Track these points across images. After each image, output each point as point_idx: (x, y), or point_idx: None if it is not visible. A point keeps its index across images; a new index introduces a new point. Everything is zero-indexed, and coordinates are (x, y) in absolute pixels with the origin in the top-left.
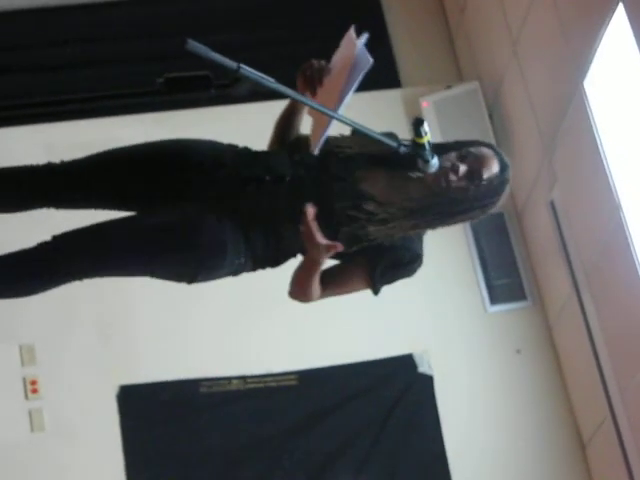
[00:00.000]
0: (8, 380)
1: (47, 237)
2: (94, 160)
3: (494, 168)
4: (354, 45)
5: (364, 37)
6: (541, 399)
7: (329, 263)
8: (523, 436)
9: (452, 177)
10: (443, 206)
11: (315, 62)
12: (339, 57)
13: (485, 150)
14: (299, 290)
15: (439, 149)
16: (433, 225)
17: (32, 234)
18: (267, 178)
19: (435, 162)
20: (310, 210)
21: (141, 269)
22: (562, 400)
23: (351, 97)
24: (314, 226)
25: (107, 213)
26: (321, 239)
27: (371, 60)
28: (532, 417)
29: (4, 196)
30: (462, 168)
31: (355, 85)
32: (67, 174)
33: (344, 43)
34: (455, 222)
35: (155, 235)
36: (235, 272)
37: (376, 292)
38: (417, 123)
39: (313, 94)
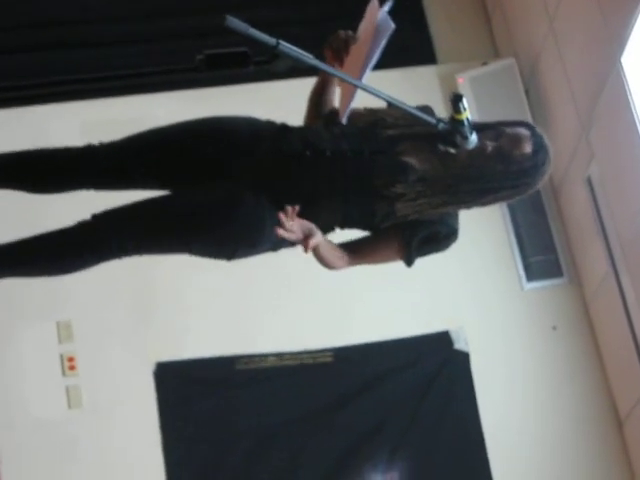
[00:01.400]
0: (45, 357)
1: (86, 216)
2: (132, 141)
3: (526, 149)
4: (377, 12)
5: (388, 4)
6: (577, 376)
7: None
8: (559, 413)
9: (480, 156)
10: (474, 183)
11: (342, 33)
12: (364, 26)
13: (520, 130)
14: (321, 263)
15: (477, 128)
16: (463, 203)
17: (71, 212)
18: (307, 153)
19: (474, 138)
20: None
21: (180, 247)
22: (598, 377)
23: (374, 63)
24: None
25: (144, 192)
26: (294, 233)
27: (392, 25)
28: (568, 394)
29: (43, 178)
30: (490, 146)
31: (378, 51)
32: (106, 156)
33: (368, 12)
34: (486, 202)
35: (193, 213)
36: (274, 248)
37: (409, 264)
38: (456, 99)
39: (341, 65)
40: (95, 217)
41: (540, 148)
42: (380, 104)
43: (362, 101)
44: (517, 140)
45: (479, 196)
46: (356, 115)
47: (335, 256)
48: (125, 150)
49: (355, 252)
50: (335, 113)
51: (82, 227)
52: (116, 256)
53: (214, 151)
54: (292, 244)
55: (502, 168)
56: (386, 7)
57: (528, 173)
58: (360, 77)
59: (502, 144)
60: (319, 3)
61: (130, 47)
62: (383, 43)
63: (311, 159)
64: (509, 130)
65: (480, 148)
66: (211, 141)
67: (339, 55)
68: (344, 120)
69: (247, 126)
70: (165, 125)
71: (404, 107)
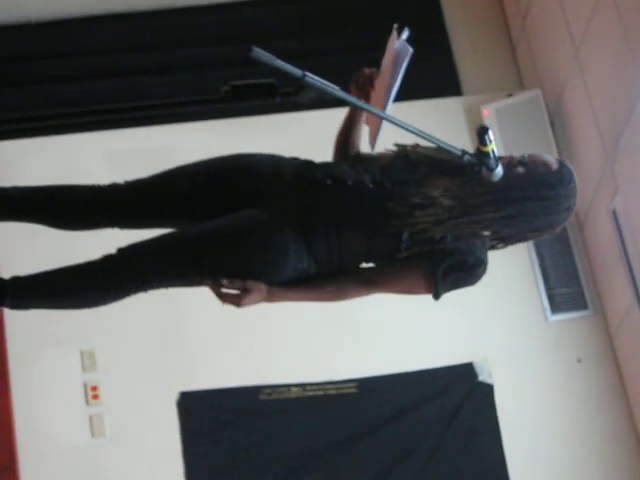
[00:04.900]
0: (69, 386)
1: (112, 249)
2: (157, 180)
3: (551, 165)
4: (395, 42)
5: (405, 33)
6: (602, 409)
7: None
8: (583, 445)
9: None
10: (498, 194)
11: (366, 69)
12: (386, 59)
13: (546, 155)
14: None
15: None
16: (485, 215)
17: (96, 246)
18: (328, 182)
19: (499, 170)
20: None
21: (204, 280)
22: (623, 410)
23: (397, 90)
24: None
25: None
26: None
27: (410, 49)
28: (593, 426)
29: (68, 215)
30: (515, 160)
31: (399, 77)
32: (130, 197)
33: (389, 45)
34: (511, 216)
35: (217, 244)
36: (299, 278)
37: (437, 295)
38: (482, 131)
39: (367, 100)
40: (120, 251)
41: (564, 166)
42: (406, 139)
43: (390, 133)
44: (542, 159)
45: (502, 207)
46: (381, 155)
47: (329, 292)
48: (150, 190)
49: (375, 281)
50: (361, 157)
51: (108, 261)
52: (142, 290)
53: (239, 189)
54: (317, 274)
55: (525, 173)
56: (404, 35)
57: (554, 185)
58: (385, 106)
59: (528, 161)
60: (349, 34)
61: (157, 77)
62: (403, 68)
63: (332, 188)
64: (535, 153)
65: (506, 163)
66: (236, 179)
67: (364, 90)
68: (373, 149)
69: (270, 162)
70: (189, 164)
71: (429, 138)
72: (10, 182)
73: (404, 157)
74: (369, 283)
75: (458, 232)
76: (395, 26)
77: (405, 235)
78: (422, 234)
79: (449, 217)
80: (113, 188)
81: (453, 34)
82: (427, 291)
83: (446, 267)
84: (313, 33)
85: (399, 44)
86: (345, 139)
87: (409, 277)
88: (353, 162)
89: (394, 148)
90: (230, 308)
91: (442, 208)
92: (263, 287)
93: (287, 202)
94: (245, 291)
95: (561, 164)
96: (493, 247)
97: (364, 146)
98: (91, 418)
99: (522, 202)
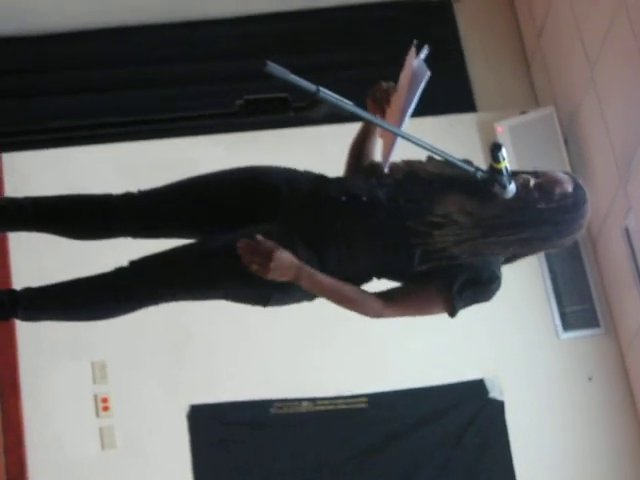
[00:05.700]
0: (80, 397)
1: (124, 261)
2: (171, 190)
3: (567, 187)
4: (414, 60)
5: (424, 52)
6: (612, 427)
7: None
8: (594, 464)
9: (522, 191)
10: (515, 216)
11: (383, 83)
12: (403, 76)
13: (560, 173)
14: (343, 303)
15: (515, 173)
16: (504, 237)
17: (107, 257)
18: (343, 198)
19: (512, 188)
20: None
21: (216, 293)
22: (634, 428)
23: (412, 110)
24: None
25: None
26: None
27: (428, 72)
28: (603, 445)
29: (81, 225)
30: (532, 181)
31: (415, 98)
32: (145, 205)
33: (407, 62)
34: (528, 239)
35: (227, 258)
36: (310, 297)
37: (453, 312)
38: (495, 148)
39: (383, 115)
40: (132, 263)
41: (579, 187)
42: (420, 154)
43: (403, 149)
44: (557, 179)
45: (520, 230)
46: (394, 167)
47: (354, 292)
48: (164, 200)
49: (393, 300)
50: (374, 167)
51: (119, 274)
52: (153, 303)
53: (250, 200)
54: None
55: (544, 204)
56: (422, 55)
57: (570, 209)
58: (399, 125)
59: (543, 182)
60: (364, 50)
61: (170, 90)
62: (420, 90)
63: (346, 204)
64: (548, 171)
65: (522, 184)
66: (250, 190)
67: (380, 105)
68: (386, 169)
69: (283, 175)
70: (203, 174)
71: (443, 154)
72: (22, 193)
73: (414, 174)
74: (387, 299)
75: (476, 251)
76: (415, 42)
77: (418, 252)
78: (441, 253)
79: (467, 238)
80: (127, 197)
81: (468, 50)
82: (443, 309)
83: (461, 283)
84: (328, 48)
85: (417, 64)
86: (358, 152)
87: (426, 295)
88: (367, 173)
89: (405, 167)
90: (242, 321)
91: (460, 227)
92: (294, 260)
93: (301, 218)
94: (271, 257)
95: (575, 185)
96: (506, 261)
97: (378, 156)
98: (101, 430)
99: (539, 226)
